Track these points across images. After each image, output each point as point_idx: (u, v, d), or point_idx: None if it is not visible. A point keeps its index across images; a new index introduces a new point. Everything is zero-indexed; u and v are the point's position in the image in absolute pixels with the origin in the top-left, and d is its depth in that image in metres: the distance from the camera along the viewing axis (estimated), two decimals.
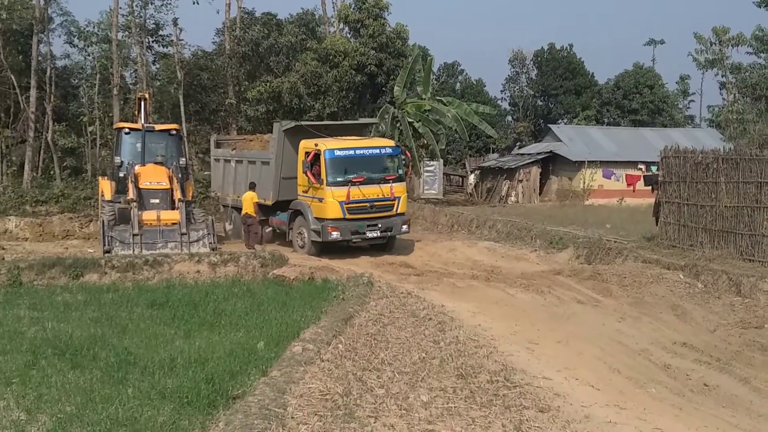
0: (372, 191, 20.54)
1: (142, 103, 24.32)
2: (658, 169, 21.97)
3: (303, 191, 21.04)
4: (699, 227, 17.94)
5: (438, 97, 39.95)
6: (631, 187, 41.17)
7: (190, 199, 21.53)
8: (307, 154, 20.57)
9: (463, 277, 17.30)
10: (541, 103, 65.47)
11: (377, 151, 21.19)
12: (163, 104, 38.55)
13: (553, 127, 48.48)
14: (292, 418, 7.07)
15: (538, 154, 42.86)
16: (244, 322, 11.80)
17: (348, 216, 20.23)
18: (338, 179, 20.13)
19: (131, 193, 19.42)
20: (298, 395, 7.66)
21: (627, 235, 21.43)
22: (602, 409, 8.31)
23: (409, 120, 36.66)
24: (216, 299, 13.74)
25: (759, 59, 48.68)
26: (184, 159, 22.54)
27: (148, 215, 19.11)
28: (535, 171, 41.72)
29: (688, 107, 72.48)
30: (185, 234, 18.78)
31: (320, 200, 20.30)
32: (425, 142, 38.06)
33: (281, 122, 22.74)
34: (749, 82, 40.66)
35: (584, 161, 40.82)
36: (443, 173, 42.82)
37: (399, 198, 20.99)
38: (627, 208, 34.19)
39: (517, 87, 66.31)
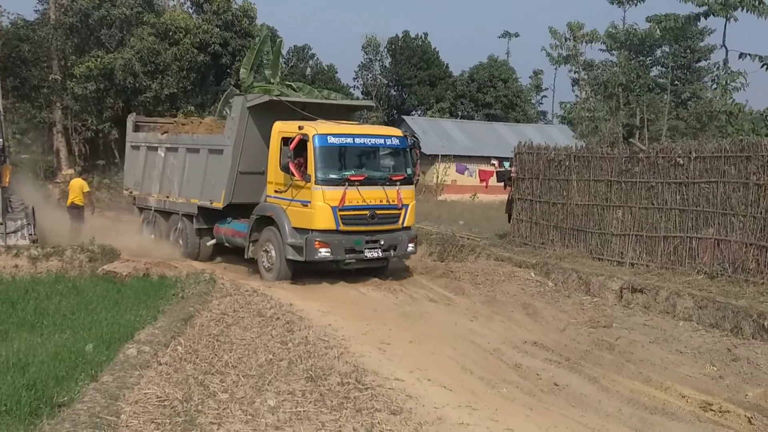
0: (374, 195, 16.14)
1: None
2: (510, 165, 22.93)
3: (276, 191, 16.41)
4: (550, 225, 18.81)
5: (287, 82, 39.37)
6: (484, 183, 42.72)
7: (6, 185, 20.39)
8: (286, 140, 16.03)
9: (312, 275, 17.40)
10: (394, 93, 66.75)
11: (382, 141, 16.95)
12: None
13: (406, 118, 49.73)
14: (127, 426, 6.91)
15: None
16: (70, 323, 11.32)
17: (342, 227, 15.83)
18: (332, 176, 15.75)
19: None
20: (132, 402, 7.49)
21: (480, 232, 22.19)
22: (454, 410, 8.58)
23: None
24: (37, 297, 13.11)
25: (611, 57, 51.70)
26: (0, 140, 21.34)
27: None
28: None
29: (541, 103, 76.12)
30: (1, 224, 17.84)
31: (304, 204, 15.78)
32: None
33: (245, 95, 17.95)
34: (601, 79, 43.06)
35: (438, 155, 41.98)
36: None
37: (407, 206, 16.65)
38: (480, 205, 35.45)
39: (370, 75, 67.31)
